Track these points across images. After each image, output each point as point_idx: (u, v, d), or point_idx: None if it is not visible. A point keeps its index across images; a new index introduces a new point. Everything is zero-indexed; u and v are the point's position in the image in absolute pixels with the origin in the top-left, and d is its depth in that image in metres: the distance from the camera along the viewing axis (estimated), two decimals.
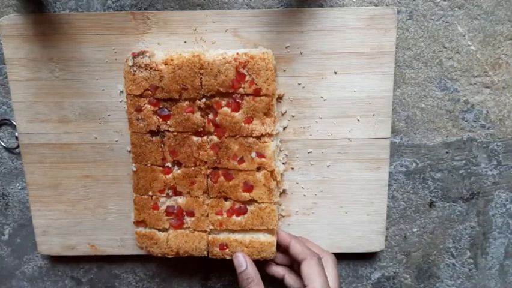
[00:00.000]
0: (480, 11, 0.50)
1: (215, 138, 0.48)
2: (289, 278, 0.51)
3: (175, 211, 0.50)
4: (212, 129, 0.48)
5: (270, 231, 0.50)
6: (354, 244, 0.54)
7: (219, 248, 0.50)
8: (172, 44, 0.49)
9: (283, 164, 0.52)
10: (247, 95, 0.46)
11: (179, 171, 0.49)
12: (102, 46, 0.49)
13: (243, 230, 0.50)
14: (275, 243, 0.50)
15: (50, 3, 0.50)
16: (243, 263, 0.49)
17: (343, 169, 0.52)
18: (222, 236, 0.50)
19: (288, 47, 0.49)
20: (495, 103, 0.53)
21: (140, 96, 0.47)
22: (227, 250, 0.50)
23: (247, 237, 0.50)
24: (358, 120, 0.50)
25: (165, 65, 0.46)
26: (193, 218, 0.50)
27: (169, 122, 0.47)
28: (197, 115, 0.47)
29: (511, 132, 0.54)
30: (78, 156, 0.52)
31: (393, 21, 0.48)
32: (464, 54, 0.51)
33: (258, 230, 0.50)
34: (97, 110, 0.51)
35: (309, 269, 0.47)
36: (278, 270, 0.52)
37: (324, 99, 0.50)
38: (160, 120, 0.47)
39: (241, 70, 0.46)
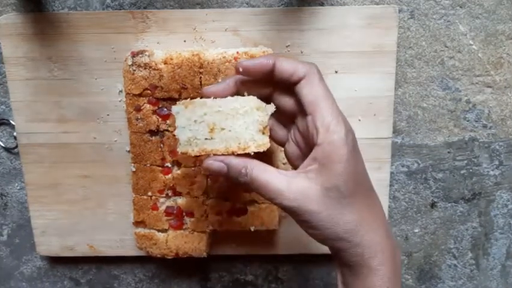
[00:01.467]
0: (482, 10, 0.50)
1: None
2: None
3: (175, 211, 0.50)
4: None
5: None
6: None
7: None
8: (172, 43, 0.49)
9: (283, 164, 0.51)
10: None
11: (178, 171, 0.49)
12: (101, 45, 0.49)
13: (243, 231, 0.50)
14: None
15: (48, 2, 0.49)
16: (221, 165, 0.37)
17: None
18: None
19: (289, 46, 0.49)
20: (497, 103, 0.52)
21: (140, 95, 0.47)
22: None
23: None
24: (359, 120, 0.50)
25: (164, 64, 0.46)
26: (192, 219, 0.50)
27: (168, 121, 0.47)
28: None
29: None
30: (77, 156, 0.52)
31: (394, 20, 0.48)
32: (466, 54, 0.51)
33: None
34: (95, 110, 0.51)
35: (311, 89, 0.36)
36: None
37: None
38: (160, 119, 0.47)
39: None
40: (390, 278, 0.35)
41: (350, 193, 0.35)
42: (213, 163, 0.37)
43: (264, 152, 0.37)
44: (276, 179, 0.35)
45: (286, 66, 0.36)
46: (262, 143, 0.37)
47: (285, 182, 0.35)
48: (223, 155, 0.37)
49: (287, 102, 0.39)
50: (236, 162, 0.36)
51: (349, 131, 0.35)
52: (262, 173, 0.36)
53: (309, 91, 0.36)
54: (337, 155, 0.34)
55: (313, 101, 0.36)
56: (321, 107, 0.35)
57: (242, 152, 0.37)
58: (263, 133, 0.37)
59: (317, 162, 0.35)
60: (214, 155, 0.38)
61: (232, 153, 0.37)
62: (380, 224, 0.36)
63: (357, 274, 0.36)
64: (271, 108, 0.38)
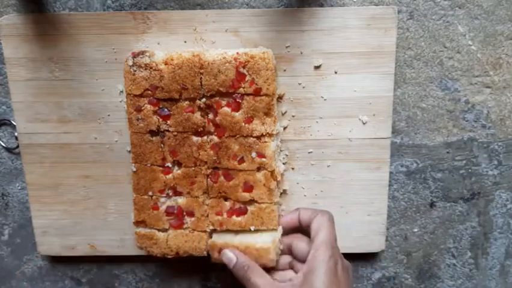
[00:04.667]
0: (481, 10, 0.50)
1: (215, 138, 0.48)
2: (298, 243, 0.49)
3: (175, 211, 0.50)
4: (212, 129, 0.48)
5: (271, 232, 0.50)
6: (354, 244, 0.54)
7: (218, 253, 0.50)
8: (172, 44, 0.49)
9: (283, 164, 0.52)
10: (248, 94, 0.46)
11: (179, 171, 0.49)
12: (102, 46, 0.49)
13: (243, 231, 0.50)
14: (272, 250, 0.48)
15: (49, 3, 0.49)
16: (233, 257, 0.48)
17: (343, 169, 0.52)
18: (220, 241, 0.50)
19: (288, 46, 0.49)
20: (496, 103, 0.53)
21: (140, 96, 0.47)
22: None
23: (244, 243, 0.49)
24: (359, 120, 0.50)
25: (165, 64, 0.46)
26: (193, 218, 0.50)
27: (169, 122, 0.47)
28: (197, 115, 0.47)
29: None
30: (78, 156, 0.52)
31: (393, 21, 0.48)
32: (465, 54, 0.51)
33: (258, 231, 0.50)
34: (96, 110, 0.51)
35: (318, 222, 0.46)
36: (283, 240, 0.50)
37: (325, 99, 0.50)
38: (160, 120, 0.47)
39: (241, 70, 0.45)
40: None
41: None
42: (228, 253, 0.48)
43: None
44: (265, 285, 0.45)
45: (305, 215, 0.49)
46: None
47: None
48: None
49: None
50: (243, 259, 0.47)
51: (333, 258, 0.44)
52: (257, 277, 0.46)
53: (316, 222, 0.47)
54: (317, 273, 0.43)
55: (315, 229, 0.46)
56: (320, 234, 0.45)
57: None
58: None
59: (302, 275, 0.44)
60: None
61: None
62: None
63: None
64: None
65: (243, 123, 0.47)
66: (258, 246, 0.48)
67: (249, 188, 0.48)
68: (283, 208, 0.53)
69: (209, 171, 0.49)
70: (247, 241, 0.49)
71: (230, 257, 0.48)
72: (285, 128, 0.51)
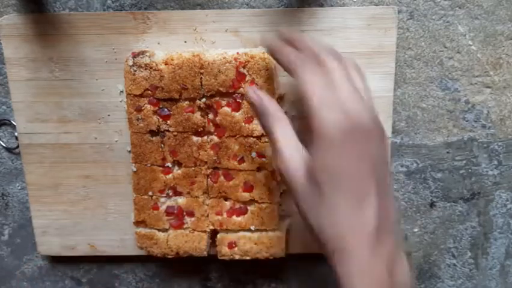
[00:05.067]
0: (481, 10, 0.50)
1: (215, 138, 0.48)
2: None
3: (175, 211, 0.50)
4: (212, 129, 0.48)
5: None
6: None
7: (227, 247, 0.50)
8: (172, 44, 0.49)
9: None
10: None
11: (179, 171, 0.49)
12: (102, 46, 0.49)
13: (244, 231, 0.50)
14: (284, 238, 0.50)
15: (49, 2, 0.49)
16: (256, 98, 0.38)
17: None
18: (230, 234, 0.50)
19: None
20: (496, 103, 0.53)
21: (140, 96, 0.47)
22: (236, 249, 0.50)
23: (256, 234, 0.50)
24: None
25: (165, 64, 0.46)
26: (193, 218, 0.50)
27: (169, 122, 0.47)
28: (197, 115, 0.47)
29: None
30: (78, 156, 0.52)
31: (393, 21, 0.48)
32: (465, 54, 0.51)
33: (259, 231, 0.50)
34: (96, 110, 0.51)
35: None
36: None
37: None
38: (160, 120, 0.47)
39: (241, 70, 0.45)
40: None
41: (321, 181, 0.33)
42: (253, 95, 0.38)
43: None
44: (286, 148, 0.36)
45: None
46: None
47: (293, 148, 0.36)
48: None
49: None
50: (267, 104, 0.38)
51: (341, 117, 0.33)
52: (281, 129, 0.36)
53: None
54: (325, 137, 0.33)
55: (291, 63, 0.38)
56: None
57: None
58: None
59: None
60: None
61: None
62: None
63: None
64: None
65: (243, 123, 0.47)
66: (270, 234, 0.49)
67: (249, 188, 0.48)
68: (284, 208, 0.53)
69: (209, 171, 0.49)
70: (257, 234, 0.50)
71: (253, 97, 0.39)
72: None
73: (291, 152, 0.35)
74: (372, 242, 0.31)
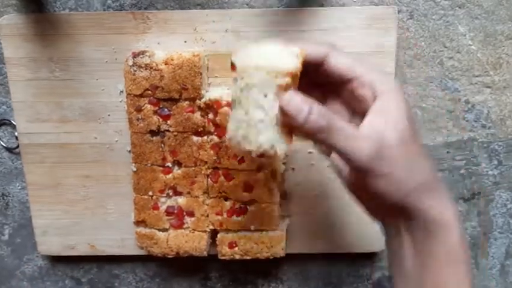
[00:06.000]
0: (481, 10, 0.50)
1: (215, 138, 0.48)
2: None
3: (175, 211, 0.50)
4: (212, 129, 0.48)
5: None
6: (354, 244, 0.54)
7: (228, 247, 0.50)
8: (172, 44, 0.49)
9: (283, 164, 0.52)
10: None
11: (179, 171, 0.49)
12: (102, 46, 0.49)
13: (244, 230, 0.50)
14: (284, 238, 0.50)
15: (50, 2, 0.50)
16: (303, 103, 0.32)
17: None
18: (231, 234, 0.50)
19: None
20: (496, 103, 0.53)
21: (140, 96, 0.47)
22: (236, 249, 0.50)
23: (256, 234, 0.50)
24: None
25: (165, 64, 0.46)
26: (193, 218, 0.50)
27: (169, 121, 0.47)
28: (197, 115, 0.47)
29: None
30: (78, 156, 0.52)
31: (393, 21, 0.48)
32: (465, 54, 0.51)
33: (259, 230, 0.50)
34: (96, 110, 0.51)
35: (344, 58, 0.34)
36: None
37: None
38: (160, 120, 0.47)
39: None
40: (463, 235, 0.34)
41: (418, 137, 0.34)
42: (295, 100, 0.32)
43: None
44: (349, 126, 0.33)
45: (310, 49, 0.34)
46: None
47: (358, 129, 0.33)
48: None
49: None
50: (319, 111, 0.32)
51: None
52: (336, 120, 0.32)
53: (343, 59, 0.35)
54: (401, 99, 0.33)
55: (352, 65, 0.35)
56: (365, 67, 0.35)
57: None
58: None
59: (384, 111, 0.33)
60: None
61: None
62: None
63: (435, 233, 0.33)
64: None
65: None
66: (271, 234, 0.49)
67: (249, 188, 0.48)
68: (284, 208, 0.53)
69: (209, 171, 0.49)
70: (257, 234, 0.50)
71: (300, 105, 0.32)
72: None
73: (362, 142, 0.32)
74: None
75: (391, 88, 0.34)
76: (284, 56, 0.33)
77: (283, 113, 0.32)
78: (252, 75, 0.33)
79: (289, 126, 0.34)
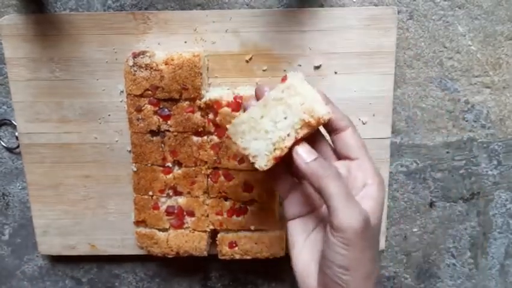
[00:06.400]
0: (480, 11, 0.50)
1: (215, 138, 0.48)
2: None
3: (176, 211, 0.50)
4: (212, 129, 0.48)
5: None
6: None
7: (228, 247, 0.50)
8: (173, 44, 0.49)
9: None
10: None
11: (179, 171, 0.49)
12: (102, 46, 0.49)
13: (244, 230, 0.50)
14: (284, 238, 0.50)
15: (50, 3, 0.50)
16: (312, 152, 0.37)
17: None
18: (231, 234, 0.50)
19: (289, 47, 0.49)
20: (495, 103, 0.53)
21: (141, 96, 0.47)
22: (236, 248, 0.50)
23: (256, 233, 0.50)
24: (359, 120, 0.50)
25: (165, 65, 0.46)
26: (193, 218, 0.50)
27: (169, 122, 0.47)
28: (197, 115, 0.47)
29: None
30: (78, 156, 0.52)
31: (393, 21, 0.48)
32: (465, 54, 0.51)
33: (259, 230, 0.50)
34: (97, 110, 0.51)
35: (358, 139, 0.39)
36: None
37: None
38: (161, 120, 0.47)
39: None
40: None
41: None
42: (300, 152, 0.36)
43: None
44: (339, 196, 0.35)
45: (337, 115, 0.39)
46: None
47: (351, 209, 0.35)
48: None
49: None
50: (318, 163, 0.36)
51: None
52: (333, 185, 0.35)
53: (356, 139, 0.39)
54: (383, 195, 0.38)
55: (360, 147, 0.39)
56: (367, 154, 0.39)
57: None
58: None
59: (373, 199, 0.37)
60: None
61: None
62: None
63: None
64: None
65: None
66: (271, 234, 0.50)
67: (249, 188, 0.49)
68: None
69: (209, 171, 0.49)
70: (257, 234, 0.50)
71: (307, 151, 0.37)
72: None
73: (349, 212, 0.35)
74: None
75: (382, 181, 0.38)
76: (323, 104, 0.37)
77: (295, 152, 0.36)
78: (292, 96, 0.36)
79: (285, 160, 0.37)
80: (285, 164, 0.39)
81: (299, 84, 0.37)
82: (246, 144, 0.37)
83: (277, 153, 0.36)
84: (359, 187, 0.38)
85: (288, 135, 0.36)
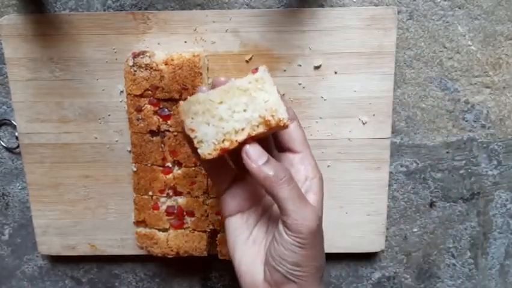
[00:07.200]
0: (480, 11, 0.50)
1: None
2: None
3: (175, 211, 0.50)
4: None
5: None
6: (354, 244, 0.54)
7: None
8: (172, 44, 0.49)
9: None
10: None
11: (179, 171, 0.49)
12: (102, 46, 0.49)
13: None
14: None
15: (50, 3, 0.50)
16: (263, 154, 0.35)
17: (343, 169, 0.52)
18: None
19: (289, 46, 0.49)
20: (495, 103, 0.53)
21: (141, 96, 0.47)
22: None
23: None
24: (359, 120, 0.50)
25: (165, 65, 0.46)
26: (193, 218, 0.50)
27: (169, 122, 0.47)
28: None
29: None
30: (78, 156, 0.52)
31: (393, 21, 0.48)
32: (465, 54, 0.51)
33: None
34: (97, 110, 0.51)
35: (302, 133, 0.39)
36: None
37: (325, 99, 0.50)
38: (161, 120, 0.47)
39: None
40: None
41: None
42: (260, 151, 0.35)
43: None
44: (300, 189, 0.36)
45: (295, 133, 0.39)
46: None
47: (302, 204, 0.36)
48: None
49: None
50: (274, 169, 0.35)
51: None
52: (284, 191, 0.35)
53: (301, 133, 0.39)
54: (323, 190, 0.38)
55: (304, 141, 0.39)
56: (309, 148, 0.39)
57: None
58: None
59: (317, 194, 0.38)
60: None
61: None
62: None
63: None
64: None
65: None
66: None
67: None
68: None
69: None
70: None
71: (258, 152, 0.35)
72: None
73: (300, 215, 0.35)
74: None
75: (321, 176, 0.39)
76: (284, 110, 0.35)
77: (245, 152, 0.35)
78: (258, 90, 0.35)
79: (231, 157, 0.37)
80: (229, 156, 0.38)
81: (268, 80, 0.35)
82: (195, 126, 0.35)
83: (226, 144, 0.34)
84: (301, 180, 0.38)
85: (243, 129, 0.34)
